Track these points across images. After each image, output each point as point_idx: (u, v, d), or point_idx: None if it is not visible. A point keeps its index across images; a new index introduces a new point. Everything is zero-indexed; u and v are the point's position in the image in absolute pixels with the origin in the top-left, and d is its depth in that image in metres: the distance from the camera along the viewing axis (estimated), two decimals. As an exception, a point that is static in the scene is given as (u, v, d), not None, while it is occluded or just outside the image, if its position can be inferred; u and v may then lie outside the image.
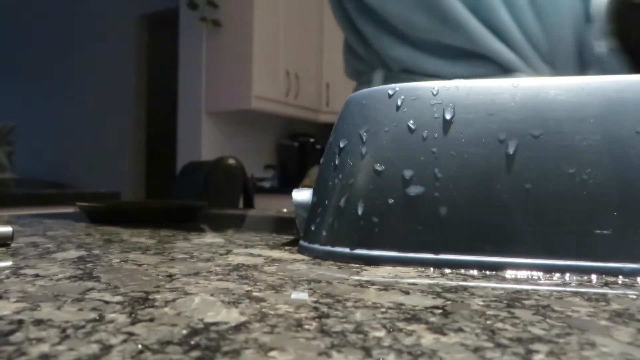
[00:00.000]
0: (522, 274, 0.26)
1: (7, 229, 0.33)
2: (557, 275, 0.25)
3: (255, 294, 0.21)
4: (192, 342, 0.14)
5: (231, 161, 1.86)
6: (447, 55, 0.59)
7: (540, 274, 0.26)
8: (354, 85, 0.73)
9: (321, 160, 0.34)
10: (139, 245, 0.36)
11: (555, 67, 0.58)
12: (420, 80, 0.30)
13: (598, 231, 0.25)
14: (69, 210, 0.78)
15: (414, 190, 0.28)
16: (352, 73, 0.74)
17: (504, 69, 0.57)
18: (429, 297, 0.21)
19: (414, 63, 0.61)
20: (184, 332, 0.15)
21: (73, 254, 0.31)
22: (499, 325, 0.17)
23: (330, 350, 0.14)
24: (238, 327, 0.16)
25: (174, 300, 0.19)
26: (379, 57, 0.65)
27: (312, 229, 0.32)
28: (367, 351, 0.14)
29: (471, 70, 0.58)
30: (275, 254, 0.32)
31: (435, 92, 0.29)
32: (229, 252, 0.33)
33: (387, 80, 0.64)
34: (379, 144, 0.30)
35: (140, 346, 0.14)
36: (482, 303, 0.20)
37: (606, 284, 0.24)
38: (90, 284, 0.22)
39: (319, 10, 2.95)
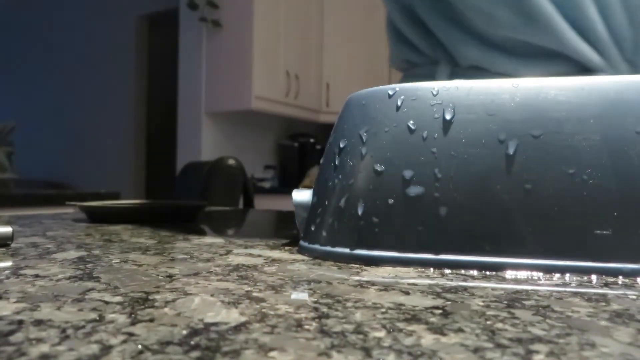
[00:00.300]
0: (522, 274, 0.26)
1: (7, 229, 0.33)
2: (557, 275, 0.25)
3: (255, 294, 0.21)
4: (192, 343, 0.14)
5: (231, 161, 1.86)
6: (524, 54, 0.55)
7: (540, 274, 0.26)
8: (400, 77, 0.68)
9: (321, 161, 0.34)
10: (139, 245, 0.36)
11: (637, 66, 0.55)
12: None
13: (598, 231, 0.25)
14: (69, 210, 0.78)
15: (414, 190, 0.28)
16: (401, 63, 0.68)
17: (583, 69, 0.54)
18: (429, 298, 0.21)
19: (486, 61, 0.57)
20: (184, 332, 0.15)
21: (73, 254, 0.31)
22: (499, 325, 0.17)
23: (330, 351, 0.14)
24: (238, 328, 0.16)
25: (174, 300, 0.19)
26: (445, 50, 0.60)
27: (312, 229, 0.32)
28: (367, 351, 0.14)
29: (547, 70, 0.54)
30: (275, 254, 0.32)
31: (435, 93, 0.29)
32: (229, 252, 0.33)
33: (453, 76, 0.60)
34: (379, 145, 0.30)
35: (140, 346, 0.14)
36: (482, 303, 0.20)
37: (606, 285, 0.24)
38: (90, 284, 0.22)
39: (319, 10, 2.95)
